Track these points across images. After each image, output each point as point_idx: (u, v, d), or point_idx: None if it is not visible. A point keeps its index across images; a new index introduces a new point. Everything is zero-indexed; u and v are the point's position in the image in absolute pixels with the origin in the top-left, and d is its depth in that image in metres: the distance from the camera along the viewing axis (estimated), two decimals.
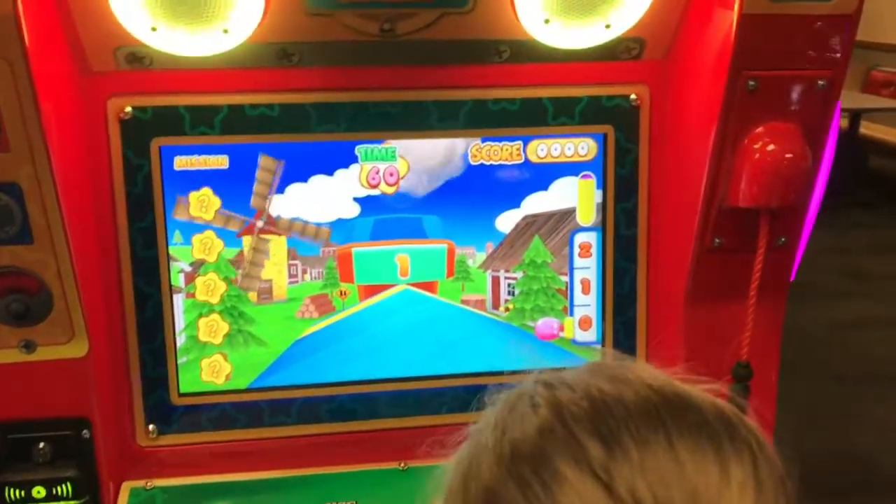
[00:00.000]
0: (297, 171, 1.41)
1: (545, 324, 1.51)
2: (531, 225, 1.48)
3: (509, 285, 1.50)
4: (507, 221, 1.47)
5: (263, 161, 1.39)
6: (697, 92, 1.36)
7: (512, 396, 0.64)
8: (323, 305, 1.46)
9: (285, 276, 1.44)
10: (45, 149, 1.15)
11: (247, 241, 1.42)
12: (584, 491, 0.53)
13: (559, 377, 0.64)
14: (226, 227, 1.41)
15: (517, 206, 1.47)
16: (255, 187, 1.41)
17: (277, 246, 1.43)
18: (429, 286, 1.48)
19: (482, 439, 0.63)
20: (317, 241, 1.44)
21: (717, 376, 1.42)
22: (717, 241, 1.38)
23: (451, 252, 1.47)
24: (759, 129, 1.28)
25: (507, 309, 1.50)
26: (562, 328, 1.52)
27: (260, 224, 1.43)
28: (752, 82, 1.25)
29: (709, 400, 0.61)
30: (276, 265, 1.44)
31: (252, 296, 1.43)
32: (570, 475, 0.53)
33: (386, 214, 1.44)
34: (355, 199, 1.43)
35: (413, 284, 1.47)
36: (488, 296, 1.49)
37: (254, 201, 1.41)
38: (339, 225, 1.43)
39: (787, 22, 1.23)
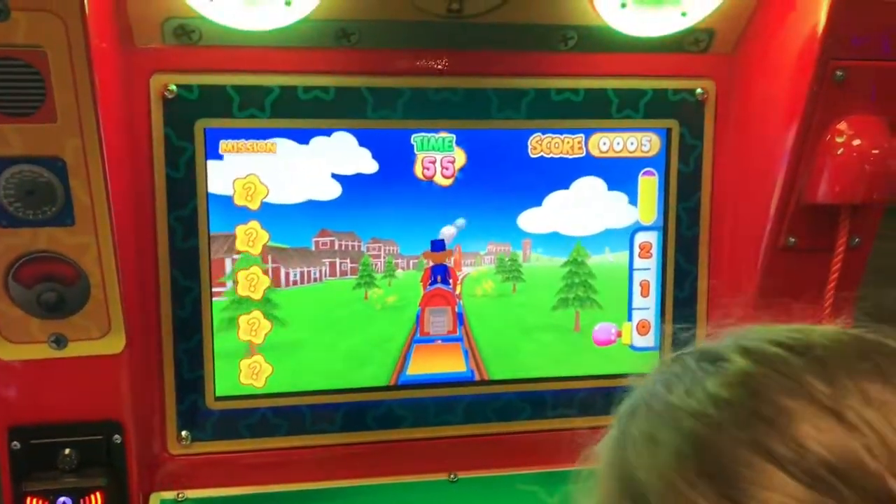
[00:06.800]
0: None
1: (602, 329, 1.44)
2: None
3: None
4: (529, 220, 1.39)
5: None
6: (773, 86, 1.31)
7: (676, 367, 0.59)
8: None
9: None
10: (95, 120, 1.05)
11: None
12: (818, 421, 0.50)
13: (717, 344, 0.58)
14: None
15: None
16: None
17: None
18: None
19: (660, 405, 0.56)
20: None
21: None
22: (790, 240, 1.32)
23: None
24: (844, 123, 1.23)
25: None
26: (619, 334, 1.44)
27: None
28: (839, 72, 1.20)
29: None
30: None
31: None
32: (798, 408, 0.51)
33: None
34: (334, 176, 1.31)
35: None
36: None
37: None
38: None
39: (880, 8, 1.18)
